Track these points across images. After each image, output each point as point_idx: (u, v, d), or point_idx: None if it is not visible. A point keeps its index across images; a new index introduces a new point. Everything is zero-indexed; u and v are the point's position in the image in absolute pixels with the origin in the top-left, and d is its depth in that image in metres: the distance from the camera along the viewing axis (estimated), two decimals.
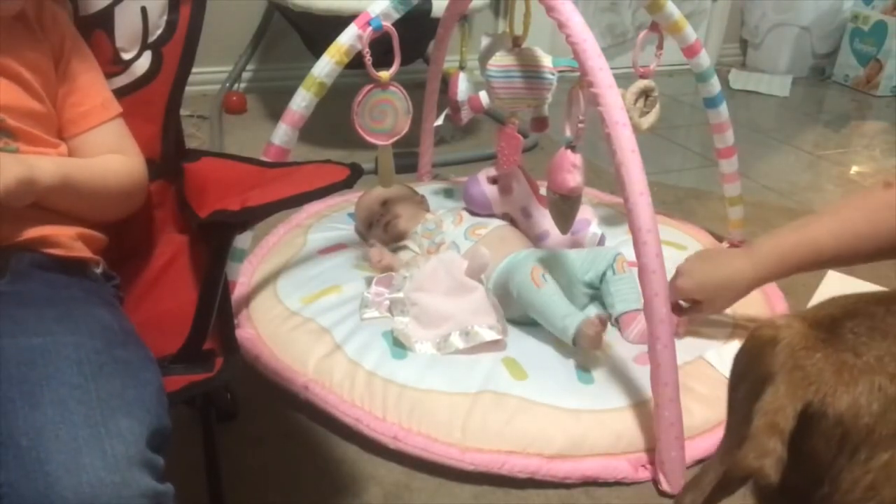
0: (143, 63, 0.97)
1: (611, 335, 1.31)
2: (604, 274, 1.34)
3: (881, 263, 1.11)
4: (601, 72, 1.06)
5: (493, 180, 1.48)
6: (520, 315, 1.30)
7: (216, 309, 0.80)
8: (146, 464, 0.60)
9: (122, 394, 0.64)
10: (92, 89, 0.90)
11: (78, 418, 0.60)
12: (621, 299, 1.32)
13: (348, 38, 1.25)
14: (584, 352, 1.22)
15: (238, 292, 1.39)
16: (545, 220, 1.42)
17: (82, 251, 0.84)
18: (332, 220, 1.67)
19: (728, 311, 1.41)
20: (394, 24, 1.26)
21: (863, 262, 1.16)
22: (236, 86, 2.50)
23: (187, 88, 0.98)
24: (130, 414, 0.62)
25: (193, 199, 0.91)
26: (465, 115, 1.52)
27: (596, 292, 1.38)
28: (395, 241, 1.50)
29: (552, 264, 1.33)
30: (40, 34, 0.87)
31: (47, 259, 0.79)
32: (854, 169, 2.39)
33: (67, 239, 0.82)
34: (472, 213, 1.50)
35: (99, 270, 0.85)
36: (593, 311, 1.38)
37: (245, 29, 2.47)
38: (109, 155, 0.89)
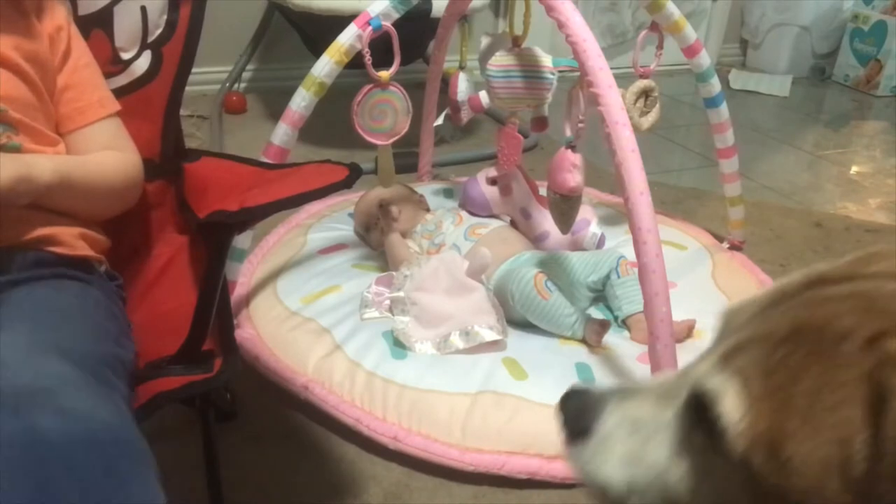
0: (143, 63, 0.97)
1: (612, 335, 1.31)
2: (607, 277, 1.34)
3: None
4: (601, 72, 1.06)
5: (493, 181, 1.48)
6: (521, 317, 1.30)
7: (216, 309, 0.80)
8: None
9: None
10: (89, 86, 0.90)
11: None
12: (628, 301, 1.32)
13: (348, 38, 1.25)
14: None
15: (238, 292, 1.39)
16: (545, 221, 1.42)
17: (85, 250, 0.83)
18: (332, 220, 1.67)
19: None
20: (394, 24, 1.26)
21: None
22: (236, 86, 2.50)
23: (187, 88, 0.98)
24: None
25: (193, 199, 0.91)
26: (465, 115, 1.52)
27: (599, 294, 1.38)
28: None
29: (554, 267, 1.33)
30: (39, 27, 0.86)
31: (51, 257, 0.79)
32: (854, 169, 2.39)
33: (70, 238, 0.82)
34: (472, 214, 1.50)
35: (102, 269, 0.85)
36: (595, 313, 1.38)
37: (245, 29, 2.47)
38: (105, 152, 0.89)
